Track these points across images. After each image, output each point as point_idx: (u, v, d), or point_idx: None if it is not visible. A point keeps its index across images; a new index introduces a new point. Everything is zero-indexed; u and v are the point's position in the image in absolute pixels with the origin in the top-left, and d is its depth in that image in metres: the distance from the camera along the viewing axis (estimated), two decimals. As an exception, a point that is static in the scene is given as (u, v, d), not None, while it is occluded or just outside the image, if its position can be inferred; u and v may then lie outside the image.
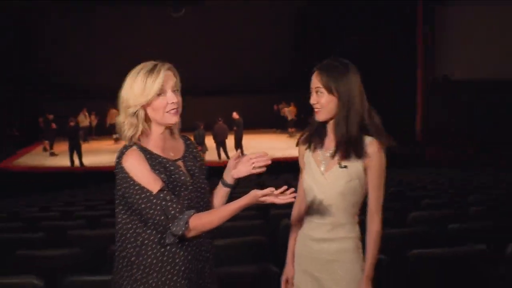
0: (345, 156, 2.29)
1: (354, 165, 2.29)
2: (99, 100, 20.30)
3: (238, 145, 16.03)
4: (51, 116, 18.03)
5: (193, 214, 2.04)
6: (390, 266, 3.11)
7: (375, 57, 16.88)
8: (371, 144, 2.29)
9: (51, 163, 16.67)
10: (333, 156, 2.32)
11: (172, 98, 2.11)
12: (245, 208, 2.04)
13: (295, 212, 2.50)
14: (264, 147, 16.83)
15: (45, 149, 18.39)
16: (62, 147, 17.29)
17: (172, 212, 2.03)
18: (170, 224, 2.03)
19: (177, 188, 2.11)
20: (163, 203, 2.03)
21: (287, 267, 2.50)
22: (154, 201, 2.03)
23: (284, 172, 10.01)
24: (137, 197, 2.04)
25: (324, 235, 2.34)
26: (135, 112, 2.11)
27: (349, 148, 2.29)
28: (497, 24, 15.29)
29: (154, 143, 2.16)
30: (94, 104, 20.79)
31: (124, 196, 2.08)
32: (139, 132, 2.12)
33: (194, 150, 2.30)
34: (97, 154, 17.49)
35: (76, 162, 15.65)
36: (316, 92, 2.31)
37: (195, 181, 2.18)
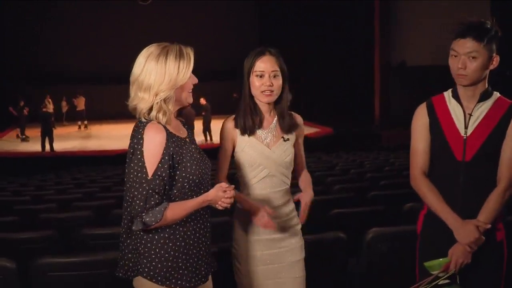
0: (287, 130, 2.62)
1: (292, 136, 2.67)
2: (68, 86, 20.18)
3: (207, 129, 16.29)
4: (22, 102, 17.72)
5: (168, 206, 2.11)
6: (350, 242, 3.28)
7: (334, 41, 17.12)
8: (296, 117, 2.70)
9: (23, 148, 16.61)
10: (277, 132, 2.62)
11: (195, 79, 2.23)
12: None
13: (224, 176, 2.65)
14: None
15: (18, 136, 18.26)
16: (33, 132, 17.33)
17: (152, 202, 2.08)
18: (144, 213, 2.08)
19: (192, 166, 2.18)
20: (150, 191, 2.08)
21: (255, 209, 2.52)
22: (144, 185, 2.09)
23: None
24: (134, 172, 2.11)
25: (279, 201, 2.61)
26: (166, 97, 2.15)
27: (288, 122, 2.62)
28: (450, 11, 15.69)
29: (168, 122, 2.21)
30: (63, 91, 20.60)
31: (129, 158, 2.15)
32: (171, 116, 2.20)
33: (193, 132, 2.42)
34: (67, 140, 17.63)
35: (47, 147, 15.59)
36: (274, 76, 2.53)
37: (202, 156, 2.29)
